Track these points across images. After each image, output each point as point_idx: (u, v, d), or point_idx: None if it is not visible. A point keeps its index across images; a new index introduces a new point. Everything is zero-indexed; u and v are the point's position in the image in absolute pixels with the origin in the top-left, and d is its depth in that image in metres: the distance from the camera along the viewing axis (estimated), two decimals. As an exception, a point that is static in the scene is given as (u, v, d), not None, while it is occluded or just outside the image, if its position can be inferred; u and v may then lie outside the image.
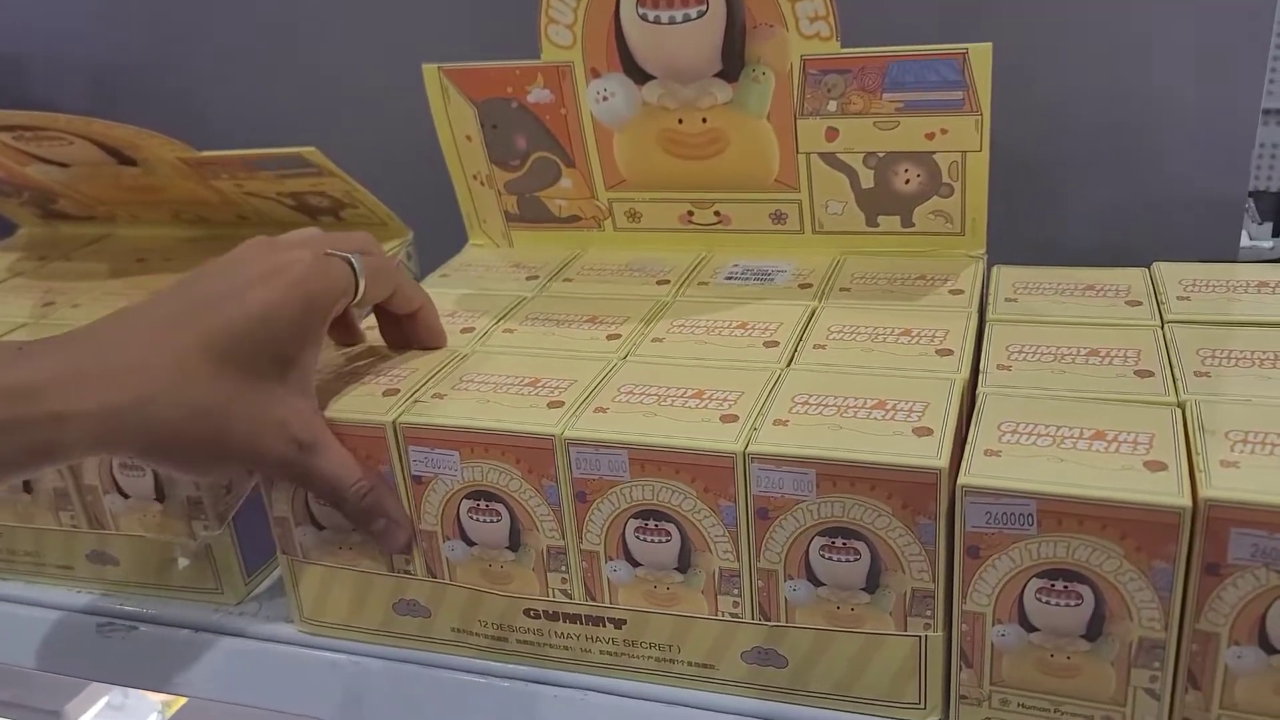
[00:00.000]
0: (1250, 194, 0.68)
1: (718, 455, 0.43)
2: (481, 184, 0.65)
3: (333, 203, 0.66)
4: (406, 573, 0.50)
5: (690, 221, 0.63)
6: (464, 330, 0.56)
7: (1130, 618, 0.40)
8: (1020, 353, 0.49)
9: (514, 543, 0.48)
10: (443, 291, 0.61)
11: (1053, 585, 0.40)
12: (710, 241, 0.63)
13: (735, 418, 0.45)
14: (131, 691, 0.88)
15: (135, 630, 0.56)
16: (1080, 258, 0.58)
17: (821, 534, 0.43)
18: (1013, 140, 0.60)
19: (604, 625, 0.48)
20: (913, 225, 0.59)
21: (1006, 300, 0.54)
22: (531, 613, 0.49)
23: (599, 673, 0.49)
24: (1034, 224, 0.69)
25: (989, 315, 0.53)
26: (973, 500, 0.40)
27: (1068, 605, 0.40)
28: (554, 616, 0.48)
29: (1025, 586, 0.40)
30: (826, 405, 0.45)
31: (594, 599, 0.48)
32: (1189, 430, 0.42)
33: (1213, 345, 0.48)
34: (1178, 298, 0.52)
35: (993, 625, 0.42)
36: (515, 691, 0.50)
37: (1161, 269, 0.56)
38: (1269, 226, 0.86)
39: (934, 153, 0.56)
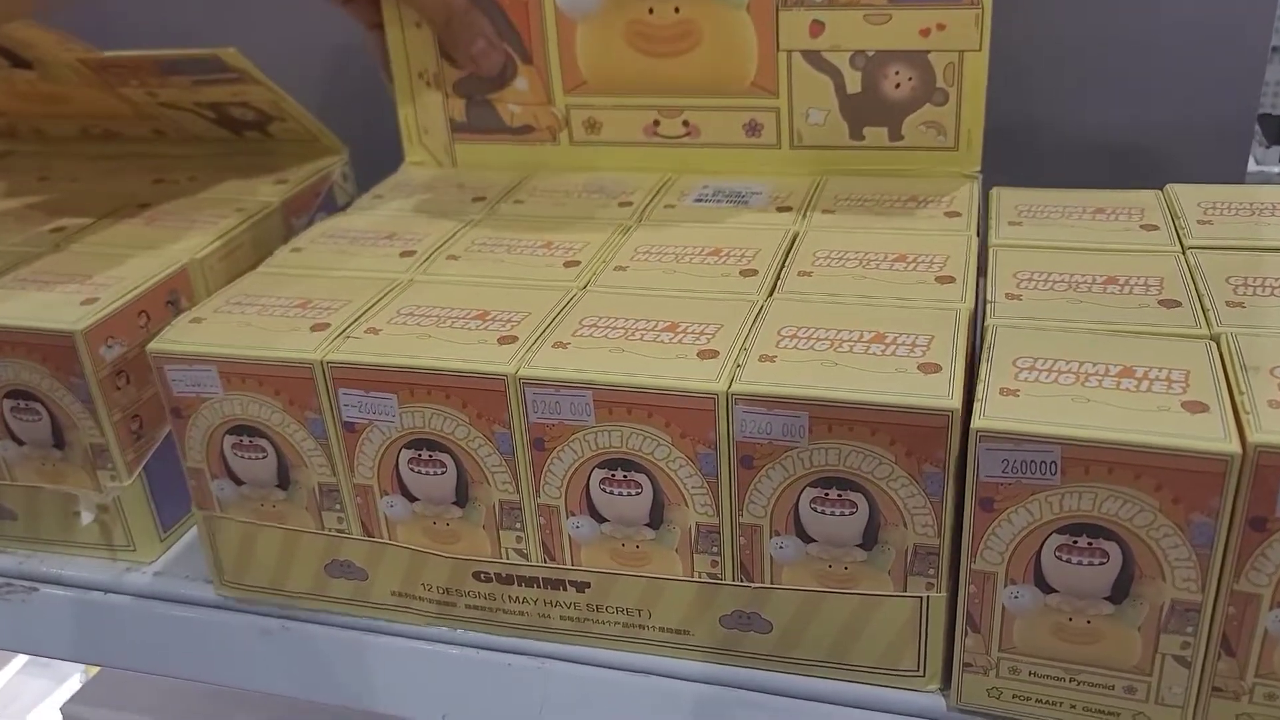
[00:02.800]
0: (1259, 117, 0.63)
1: (697, 395, 0.38)
2: (428, 83, 0.58)
3: (258, 115, 0.59)
4: (339, 531, 0.44)
5: (655, 133, 0.57)
6: (403, 254, 0.49)
7: (1163, 578, 0.35)
8: (1030, 280, 0.43)
9: (461, 497, 0.42)
10: (376, 214, 0.54)
11: (1075, 542, 0.35)
12: (677, 158, 0.57)
13: (715, 353, 0.39)
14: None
15: (35, 592, 0.50)
16: (1077, 181, 0.53)
17: (814, 484, 0.38)
18: (1010, 50, 0.55)
19: (564, 589, 0.42)
20: (901, 138, 0.53)
21: (1010, 224, 0.49)
22: (482, 575, 0.43)
23: (559, 639, 0.44)
24: (1027, 144, 0.63)
25: (991, 240, 0.47)
26: (988, 447, 0.35)
27: (1092, 564, 0.36)
28: (508, 579, 0.43)
29: (1044, 543, 0.36)
30: (817, 339, 0.40)
31: (553, 559, 0.42)
32: (1228, 367, 0.37)
33: (1244, 273, 0.43)
34: (1198, 221, 0.47)
35: (1005, 586, 0.37)
36: (465, 660, 0.44)
37: (1177, 190, 0.50)
38: (1277, 151, 0.82)
39: (928, 52, 0.51)
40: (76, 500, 0.49)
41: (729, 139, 0.56)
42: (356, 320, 0.43)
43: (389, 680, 0.46)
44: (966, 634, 0.38)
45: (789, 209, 0.51)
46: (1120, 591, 0.36)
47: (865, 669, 0.40)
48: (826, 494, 0.38)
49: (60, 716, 0.56)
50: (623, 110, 0.56)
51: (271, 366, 0.42)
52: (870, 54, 0.52)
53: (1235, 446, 0.33)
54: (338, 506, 0.44)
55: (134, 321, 0.47)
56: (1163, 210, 0.49)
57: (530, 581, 0.43)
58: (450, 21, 0.56)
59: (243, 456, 0.44)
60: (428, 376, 0.40)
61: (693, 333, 0.41)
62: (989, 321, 0.41)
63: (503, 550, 0.43)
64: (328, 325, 0.43)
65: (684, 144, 0.57)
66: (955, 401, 0.36)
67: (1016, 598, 0.37)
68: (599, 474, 0.40)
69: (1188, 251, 0.45)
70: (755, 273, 0.45)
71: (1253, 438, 0.33)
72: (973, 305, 0.42)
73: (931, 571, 0.38)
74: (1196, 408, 0.35)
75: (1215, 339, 0.39)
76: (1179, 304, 0.41)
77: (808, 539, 0.39)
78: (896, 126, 0.53)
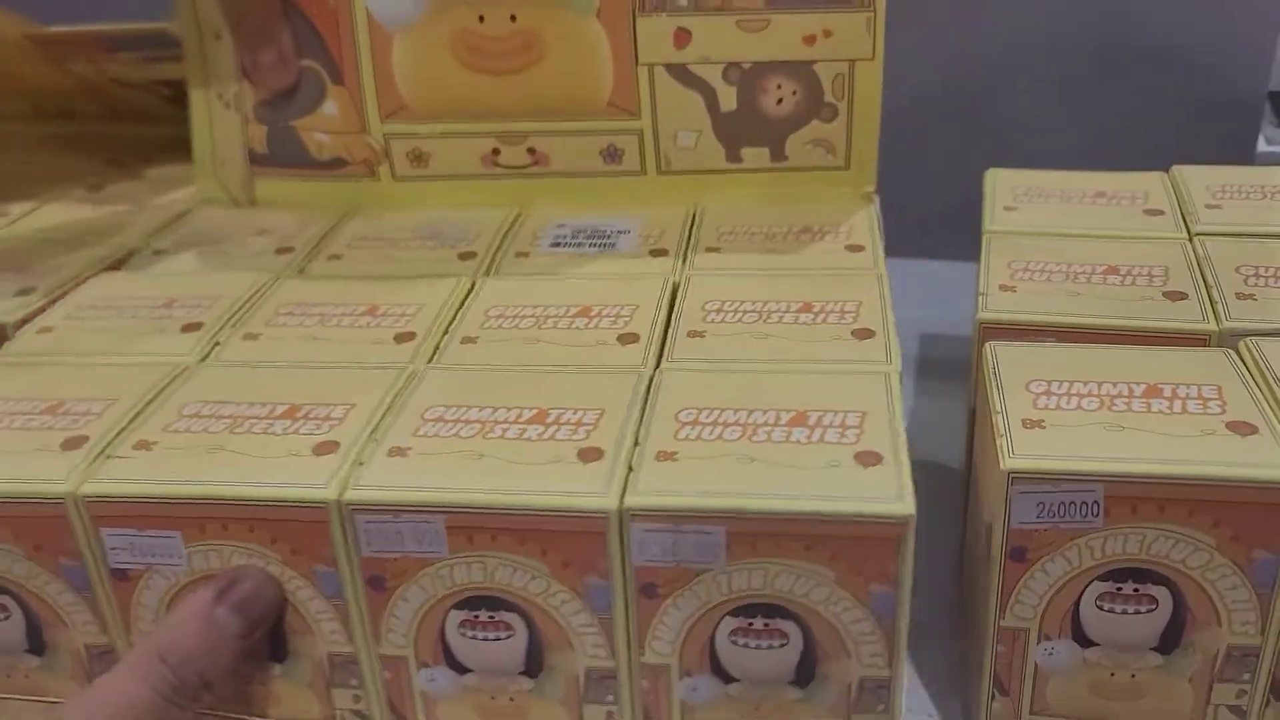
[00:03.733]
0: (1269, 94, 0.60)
1: (582, 516, 0.29)
2: (226, 106, 0.48)
3: None
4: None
5: (495, 164, 0.48)
6: (186, 328, 0.39)
7: (1218, 623, 0.31)
8: (1025, 270, 0.39)
9: (278, 652, 0.33)
10: (155, 272, 0.44)
11: (1120, 589, 0.31)
12: (523, 190, 0.48)
13: (599, 452, 0.31)
14: None
15: None
16: (1081, 163, 0.48)
17: (734, 613, 0.30)
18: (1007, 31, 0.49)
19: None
20: (785, 159, 0.46)
21: (1005, 209, 0.44)
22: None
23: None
24: (1027, 124, 0.58)
25: (986, 227, 0.43)
26: (1023, 490, 0.30)
27: (1139, 612, 0.31)
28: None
29: (1083, 592, 0.31)
30: (727, 424, 0.32)
31: (403, 718, 0.33)
32: (1256, 378, 0.33)
33: (1255, 261, 0.39)
34: (1206, 205, 0.44)
35: (1038, 642, 0.32)
36: None
37: (1183, 173, 0.47)
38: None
39: (814, 62, 0.44)
40: None
41: (584, 167, 0.47)
42: (125, 429, 0.33)
43: None
44: (994, 697, 0.33)
45: (664, 252, 0.43)
46: (1170, 641, 0.31)
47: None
48: (750, 624, 0.30)
49: None
50: (454, 138, 0.47)
51: (9, 503, 0.31)
52: (746, 66, 0.44)
53: None
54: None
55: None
56: (1168, 194, 0.45)
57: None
58: (245, 18, 0.46)
59: (-16, 618, 0.33)
60: (222, 508, 0.30)
61: (568, 424, 0.32)
62: (980, 316, 0.37)
63: (336, 712, 0.33)
64: (85, 438, 0.33)
65: (531, 174, 0.48)
66: (908, 506, 0.28)
67: (1051, 654, 0.32)
68: (456, 615, 0.31)
69: (1195, 238, 0.42)
70: (636, 338, 0.37)
71: None
72: (900, 367, 0.35)
73: (881, 708, 0.31)
74: (1245, 429, 0.31)
75: (1226, 335, 0.35)
76: (1185, 296, 0.38)
77: (728, 678, 0.31)
78: (779, 146, 0.46)
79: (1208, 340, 0.36)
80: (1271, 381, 0.33)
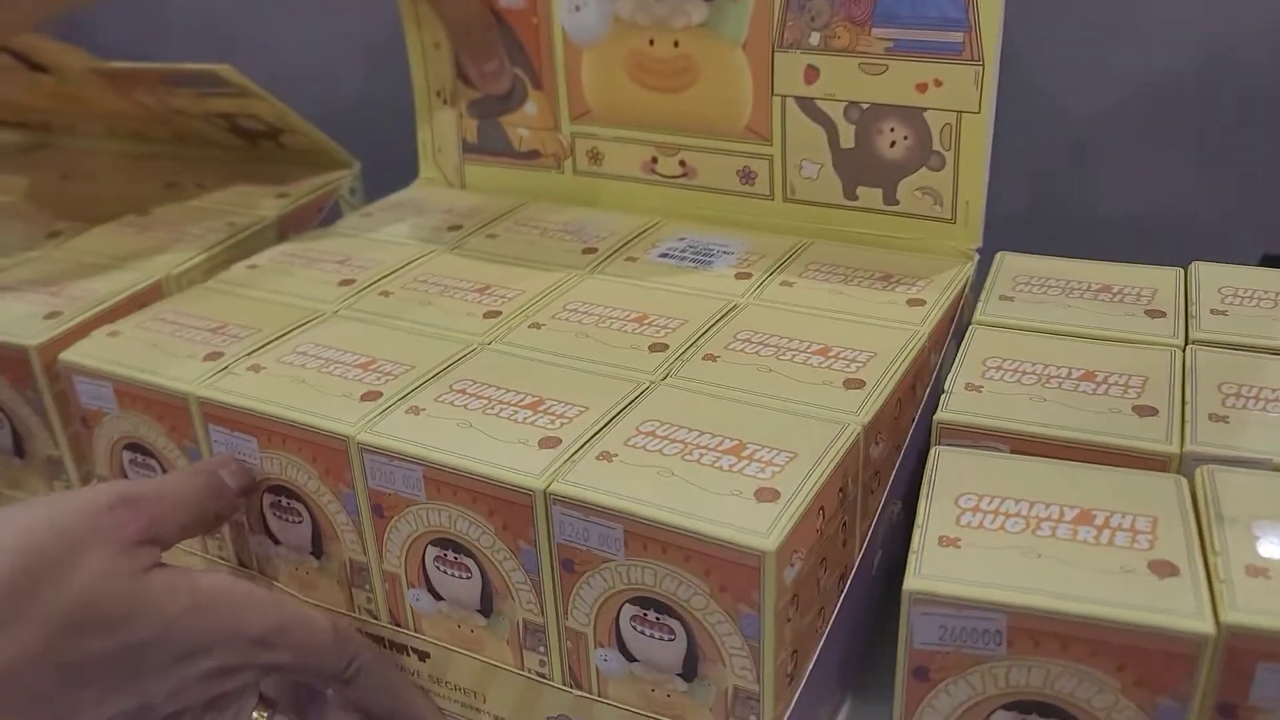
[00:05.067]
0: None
1: (514, 490, 0.35)
2: (444, 101, 0.57)
3: (268, 127, 0.60)
4: (221, 558, 0.44)
5: (653, 171, 0.53)
6: (342, 283, 0.48)
7: None
8: (999, 370, 0.38)
9: (317, 549, 0.41)
10: (346, 236, 0.54)
11: None
12: (672, 199, 0.53)
13: (557, 442, 0.36)
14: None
15: None
16: (1119, 245, 0.46)
17: (633, 602, 0.35)
18: (1049, 100, 0.48)
19: (409, 654, 0.41)
20: (896, 203, 0.48)
21: (1001, 299, 0.43)
22: (337, 627, 0.42)
23: (409, 705, 0.42)
24: (1068, 197, 0.55)
25: (975, 316, 0.42)
26: (924, 611, 0.30)
27: None
28: (359, 632, 0.41)
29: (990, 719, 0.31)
30: (671, 440, 0.36)
31: (399, 624, 0.40)
32: (1200, 515, 0.31)
33: (1240, 379, 0.37)
34: (1212, 310, 0.41)
35: None
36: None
37: (1201, 270, 0.44)
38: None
39: (924, 109, 0.45)
40: None
41: (723, 184, 0.52)
42: (251, 353, 0.43)
43: None
44: None
45: (748, 275, 0.47)
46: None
47: (687, 807, 0.37)
48: (645, 614, 0.34)
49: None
50: (623, 143, 0.53)
51: (154, 392, 0.42)
52: (865, 106, 0.46)
53: (1209, 626, 0.28)
54: (218, 536, 0.44)
55: (95, 336, 0.47)
56: (1178, 293, 0.43)
57: (378, 639, 0.41)
58: (470, 35, 0.54)
59: (137, 473, 0.44)
60: (281, 426, 0.39)
61: (552, 414, 0.38)
62: (937, 417, 0.36)
63: (356, 607, 0.41)
64: (222, 355, 0.43)
65: (679, 184, 0.53)
66: (770, 542, 0.31)
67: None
68: (433, 551, 0.38)
69: (1190, 346, 0.39)
70: (665, 348, 0.41)
71: (1226, 617, 0.28)
72: (870, 419, 0.37)
73: (753, 718, 0.34)
74: (1165, 570, 0.29)
75: (1188, 459, 0.34)
76: (1155, 412, 0.36)
77: (630, 657, 0.36)
78: (891, 189, 0.47)
79: (1167, 464, 0.34)
80: (1212, 518, 0.31)
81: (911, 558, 0.30)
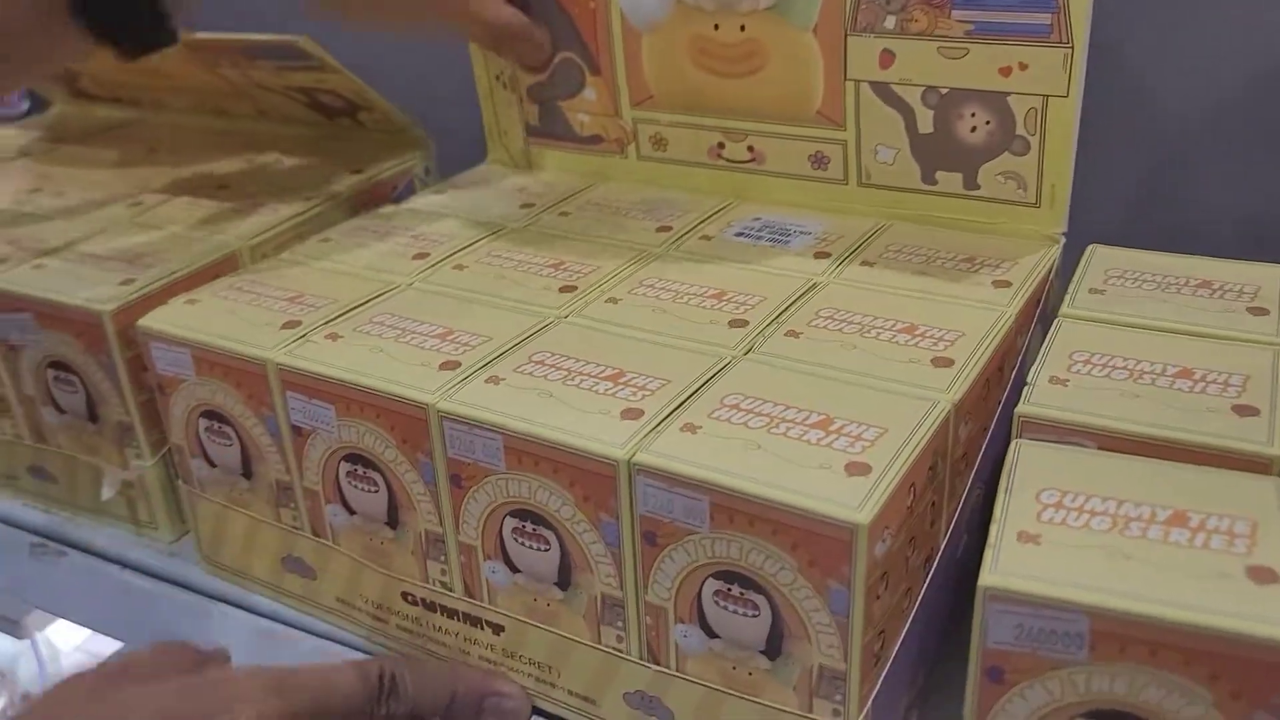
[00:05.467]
0: None
1: (597, 459, 0.34)
2: (504, 86, 0.57)
3: (346, 103, 0.60)
4: (295, 528, 0.44)
5: (720, 156, 0.53)
6: (416, 256, 0.48)
7: None
8: (1087, 364, 0.37)
9: (392, 519, 0.41)
10: (419, 211, 0.54)
11: None
12: (740, 184, 0.53)
13: (639, 414, 0.36)
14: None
15: (65, 556, 0.52)
16: (1218, 241, 0.45)
17: (716, 576, 0.34)
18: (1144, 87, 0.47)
19: (482, 627, 0.40)
20: (977, 187, 0.47)
21: (1091, 291, 0.42)
22: (409, 598, 0.42)
23: (479, 680, 0.41)
24: (1163, 191, 0.54)
25: (1063, 309, 0.41)
26: (999, 608, 0.29)
27: None
28: (431, 607, 0.41)
29: None
30: (757, 414, 0.35)
31: (473, 597, 0.40)
32: None
33: None
34: None
35: None
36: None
37: None
38: None
39: (1008, 94, 0.44)
40: (104, 473, 0.50)
41: (794, 169, 0.51)
42: (328, 322, 0.43)
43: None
44: None
45: (827, 255, 0.46)
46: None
47: (766, 786, 0.36)
48: (729, 589, 0.34)
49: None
50: (688, 129, 0.53)
51: (232, 358, 0.42)
52: (944, 91, 0.46)
53: None
54: (292, 504, 0.44)
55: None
56: None
57: (452, 613, 0.41)
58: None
59: (214, 441, 0.45)
60: (360, 394, 0.39)
61: (634, 386, 0.37)
62: (1019, 410, 0.35)
63: (430, 578, 0.41)
64: (299, 324, 0.43)
65: (748, 170, 0.52)
66: (863, 515, 0.31)
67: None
68: (510, 522, 0.38)
69: None
70: (744, 324, 0.41)
71: None
72: (959, 398, 0.36)
73: (839, 698, 0.34)
74: (1265, 576, 0.28)
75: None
76: (1256, 412, 0.34)
77: (711, 633, 0.35)
78: (972, 174, 0.47)
79: (1269, 466, 0.32)
80: None
81: (988, 552, 0.29)
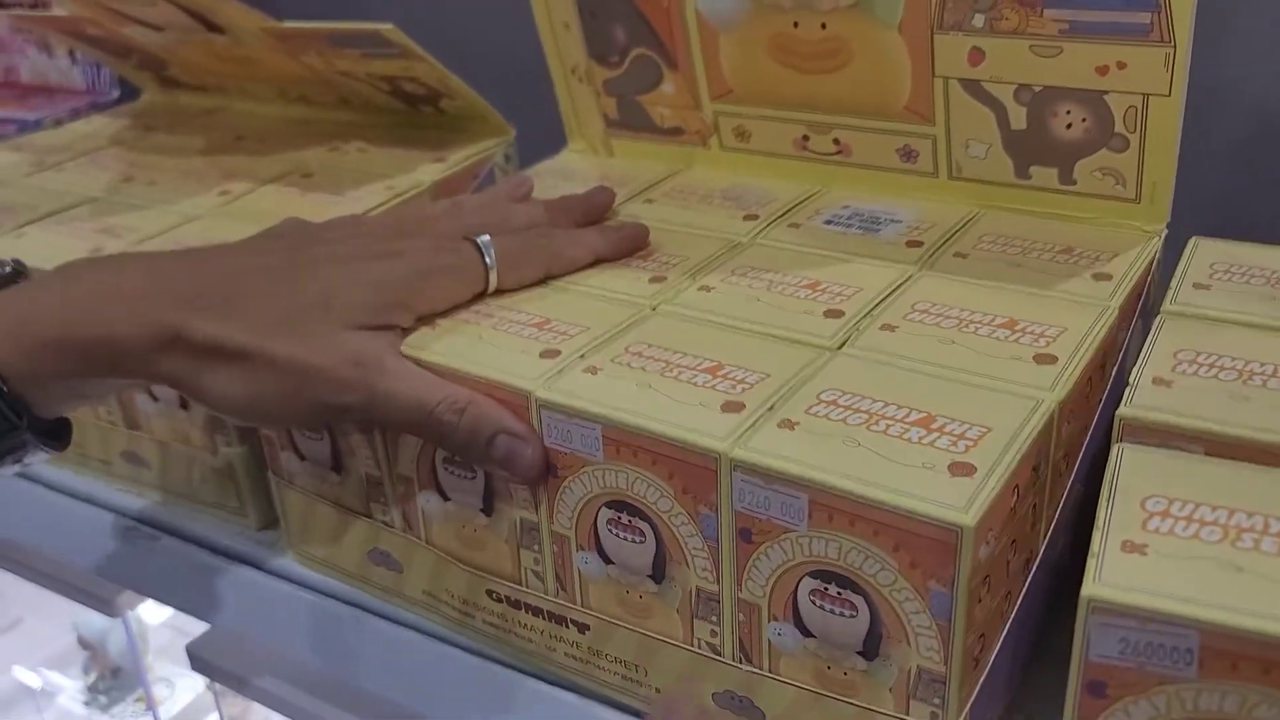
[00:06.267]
0: None
1: (698, 452, 0.34)
2: (580, 80, 0.57)
3: (429, 91, 0.60)
4: (384, 522, 0.45)
5: (805, 148, 0.52)
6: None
7: None
8: (1192, 364, 0.36)
9: (488, 506, 0.41)
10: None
11: None
12: (828, 174, 0.52)
13: (740, 407, 0.36)
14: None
15: (158, 541, 0.53)
16: None
17: (813, 575, 0.34)
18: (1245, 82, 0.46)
19: (567, 626, 0.40)
20: (1073, 182, 0.46)
21: (1195, 287, 0.40)
22: (494, 595, 0.42)
23: (565, 675, 0.42)
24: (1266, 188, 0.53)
25: (1165, 305, 0.40)
26: (1102, 621, 0.28)
27: None
28: (516, 604, 0.41)
29: None
30: (855, 410, 0.35)
31: (564, 589, 0.40)
32: None
33: None
34: None
35: None
36: (485, 672, 0.43)
37: None
38: None
39: (1105, 93, 0.43)
40: (196, 460, 0.51)
41: (882, 162, 0.50)
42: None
43: (417, 680, 0.46)
44: None
45: (919, 244, 0.46)
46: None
47: (860, 786, 0.36)
48: (826, 589, 0.34)
49: (185, 655, 0.60)
50: (771, 121, 0.52)
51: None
52: (1037, 89, 0.45)
53: None
54: (382, 498, 0.44)
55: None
56: None
57: (537, 611, 0.41)
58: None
59: (305, 435, 0.45)
60: (461, 379, 0.39)
61: (732, 379, 0.37)
62: (1120, 413, 0.34)
63: (522, 569, 0.41)
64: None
65: (835, 161, 0.52)
66: (969, 517, 0.30)
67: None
68: (606, 513, 0.38)
69: None
70: (840, 315, 0.41)
71: None
72: (1064, 396, 0.35)
73: (937, 701, 0.33)
74: None
75: None
76: None
77: (806, 632, 0.35)
78: (1067, 169, 0.46)
79: None
80: None
81: (1091, 562, 0.29)
